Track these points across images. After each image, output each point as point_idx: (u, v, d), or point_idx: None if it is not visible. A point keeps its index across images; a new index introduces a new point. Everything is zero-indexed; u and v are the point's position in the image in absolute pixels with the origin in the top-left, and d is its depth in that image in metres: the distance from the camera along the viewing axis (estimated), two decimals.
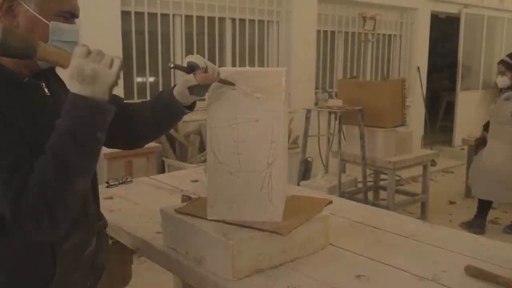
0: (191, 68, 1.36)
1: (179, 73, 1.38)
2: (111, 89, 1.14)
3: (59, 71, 1.30)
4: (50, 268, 1.23)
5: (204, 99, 1.51)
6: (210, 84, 1.40)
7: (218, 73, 1.39)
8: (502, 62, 4.42)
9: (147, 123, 1.48)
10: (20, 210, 1.04)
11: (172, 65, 1.29)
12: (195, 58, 1.35)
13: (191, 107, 1.46)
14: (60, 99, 1.28)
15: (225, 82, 1.46)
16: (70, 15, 1.22)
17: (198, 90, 1.38)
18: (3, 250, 1.16)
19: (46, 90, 1.25)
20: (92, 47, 1.13)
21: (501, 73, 4.36)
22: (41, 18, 1.16)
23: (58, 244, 1.22)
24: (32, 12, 1.15)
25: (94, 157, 1.14)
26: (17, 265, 1.17)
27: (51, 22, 1.17)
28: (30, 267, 1.19)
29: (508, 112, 4.15)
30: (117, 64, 1.13)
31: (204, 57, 1.41)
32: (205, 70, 1.35)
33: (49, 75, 1.29)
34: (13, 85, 1.16)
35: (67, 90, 1.29)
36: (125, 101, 1.55)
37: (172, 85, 1.46)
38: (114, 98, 1.50)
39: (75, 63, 1.09)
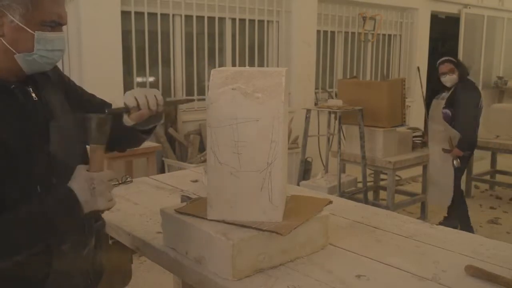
0: (127, 109, 1.37)
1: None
2: (92, 212, 1.21)
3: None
4: (47, 268, 1.24)
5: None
6: (159, 114, 1.43)
7: (158, 104, 1.39)
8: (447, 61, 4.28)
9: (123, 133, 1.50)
10: None
11: (107, 112, 1.32)
12: (128, 97, 1.37)
13: (149, 131, 1.50)
14: (50, 100, 1.29)
15: (177, 103, 1.46)
16: (56, 24, 1.23)
17: (146, 121, 1.42)
18: None
19: (33, 95, 1.26)
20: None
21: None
22: (26, 28, 1.17)
23: (55, 245, 1.24)
24: (17, 22, 1.16)
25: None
26: (14, 266, 1.16)
27: (36, 32, 1.18)
28: (27, 268, 1.20)
29: (439, 111, 4.18)
30: (112, 203, 1.25)
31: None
32: (137, 108, 1.36)
33: (37, 78, 1.30)
34: (0, 92, 1.18)
35: (55, 91, 1.33)
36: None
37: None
38: (104, 104, 1.52)
39: (102, 174, 1.20)
